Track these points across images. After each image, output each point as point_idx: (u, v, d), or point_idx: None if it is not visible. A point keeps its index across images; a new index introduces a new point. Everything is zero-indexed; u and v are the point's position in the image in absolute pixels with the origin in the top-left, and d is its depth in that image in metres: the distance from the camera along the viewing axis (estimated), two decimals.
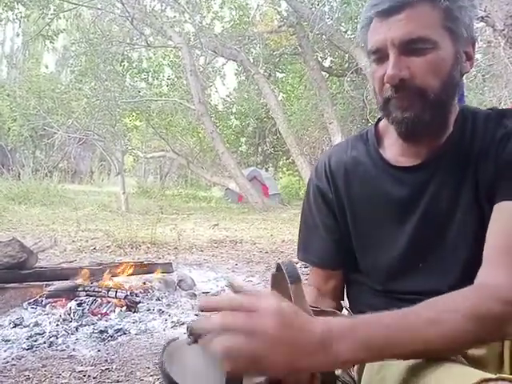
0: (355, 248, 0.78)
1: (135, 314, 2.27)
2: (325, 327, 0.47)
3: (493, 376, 0.47)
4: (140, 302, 2.39)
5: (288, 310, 0.46)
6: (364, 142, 0.79)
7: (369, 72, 0.71)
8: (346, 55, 9.89)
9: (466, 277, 0.67)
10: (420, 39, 0.64)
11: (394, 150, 0.75)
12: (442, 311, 0.53)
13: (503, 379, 0.46)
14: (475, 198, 0.68)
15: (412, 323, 0.51)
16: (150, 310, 2.35)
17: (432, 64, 0.65)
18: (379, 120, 0.80)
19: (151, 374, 1.66)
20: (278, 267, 0.54)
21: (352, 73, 8.94)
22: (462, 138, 0.71)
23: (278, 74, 12.82)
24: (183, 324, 2.19)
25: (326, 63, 11.41)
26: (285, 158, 14.03)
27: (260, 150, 14.65)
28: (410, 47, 0.64)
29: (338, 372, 0.70)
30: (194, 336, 0.46)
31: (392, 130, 0.74)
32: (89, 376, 1.62)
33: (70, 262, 3.24)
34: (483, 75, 6.10)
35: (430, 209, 0.71)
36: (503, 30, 4.04)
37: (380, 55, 0.67)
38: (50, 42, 9.79)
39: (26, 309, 2.23)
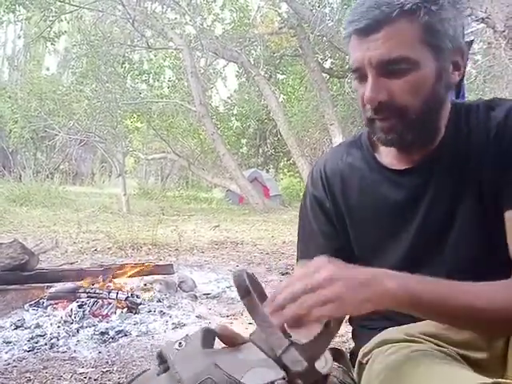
0: (356, 254, 0.77)
1: (136, 315, 2.27)
2: (377, 269, 0.58)
3: (489, 380, 0.47)
4: (141, 304, 2.39)
5: (335, 261, 0.57)
6: (358, 146, 0.78)
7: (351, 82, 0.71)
8: (347, 57, 9.85)
9: (467, 278, 0.68)
10: (399, 59, 0.62)
11: (388, 154, 0.75)
12: (489, 294, 0.58)
13: None
14: (477, 198, 0.67)
15: (460, 291, 0.57)
16: (150, 311, 2.35)
17: (412, 85, 0.63)
18: None
19: None
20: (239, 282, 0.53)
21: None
22: (457, 135, 0.70)
23: (278, 76, 12.83)
24: (184, 325, 2.19)
25: (327, 65, 11.41)
26: (286, 159, 14.03)
27: (261, 151, 14.65)
28: (389, 68, 0.62)
29: (339, 375, 0.70)
30: (163, 364, 0.46)
31: None
32: (90, 378, 1.62)
33: (72, 263, 3.25)
34: (484, 76, 6.10)
35: (430, 211, 0.70)
36: (504, 31, 4.04)
37: (360, 74, 0.66)
38: (52, 44, 9.82)
39: (27, 310, 2.23)
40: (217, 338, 0.52)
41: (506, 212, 0.65)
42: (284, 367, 0.47)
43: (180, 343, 0.50)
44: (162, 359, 0.48)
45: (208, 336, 0.50)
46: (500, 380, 0.47)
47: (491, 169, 0.66)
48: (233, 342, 0.53)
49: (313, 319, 0.50)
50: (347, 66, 10.81)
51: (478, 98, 0.76)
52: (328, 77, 10.99)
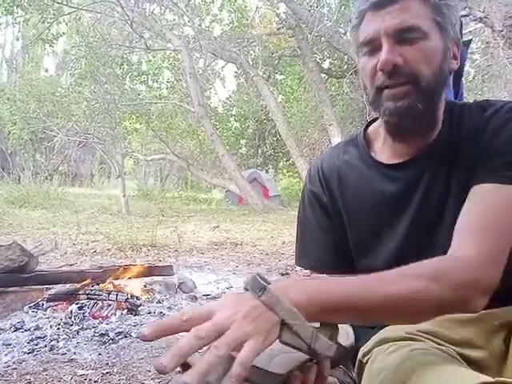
0: (352, 250, 0.78)
1: (136, 316, 2.27)
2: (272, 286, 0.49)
3: (491, 379, 0.47)
4: (141, 305, 2.39)
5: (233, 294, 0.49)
6: (355, 145, 0.81)
7: (360, 66, 0.73)
8: (345, 57, 9.91)
9: None
10: (412, 28, 0.66)
11: (384, 152, 0.77)
12: (405, 274, 0.55)
13: (502, 383, 0.46)
14: (464, 193, 0.69)
15: (371, 281, 0.54)
16: (150, 312, 2.35)
17: (424, 52, 0.67)
18: (368, 124, 0.82)
19: (152, 377, 1.66)
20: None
21: (351, 74, 8.95)
22: (449, 132, 0.73)
23: (277, 76, 12.84)
24: None
25: (325, 65, 11.43)
26: (285, 159, 14.03)
27: (260, 151, 14.65)
28: (403, 36, 0.66)
29: (339, 374, 0.70)
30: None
31: (382, 132, 0.76)
32: (90, 380, 1.61)
33: (71, 265, 3.25)
34: (482, 76, 6.11)
35: (422, 202, 0.72)
36: (502, 30, 4.05)
37: (372, 46, 0.69)
38: (50, 45, 9.81)
39: (27, 312, 2.23)
40: None
41: (472, 187, 0.66)
42: (316, 356, 0.47)
43: None
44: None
45: None
46: (501, 379, 0.47)
47: (475, 167, 0.68)
48: None
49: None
50: (346, 67, 10.82)
51: (474, 100, 0.78)
52: (327, 77, 11.00)
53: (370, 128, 0.81)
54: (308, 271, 0.84)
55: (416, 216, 0.72)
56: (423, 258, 0.69)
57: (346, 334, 0.50)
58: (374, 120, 0.82)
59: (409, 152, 0.73)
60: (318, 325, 0.48)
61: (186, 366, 0.44)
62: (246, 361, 0.42)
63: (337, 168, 0.80)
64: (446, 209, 0.70)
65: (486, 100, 0.75)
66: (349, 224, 0.78)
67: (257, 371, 0.44)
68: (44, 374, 1.65)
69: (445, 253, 0.68)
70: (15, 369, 1.67)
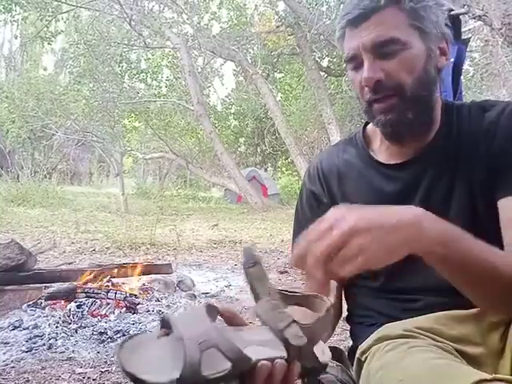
0: None
1: (135, 315, 2.26)
2: (406, 210, 0.56)
3: (488, 376, 0.47)
4: (139, 304, 2.39)
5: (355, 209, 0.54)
6: (354, 144, 0.81)
7: (349, 79, 0.76)
8: (344, 55, 9.89)
9: None
10: (390, 41, 0.67)
11: (383, 151, 0.77)
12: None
13: (499, 380, 0.46)
14: (469, 194, 0.69)
15: (492, 252, 0.57)
16: (149, 311, 2.35)
17: (404, 63, 0.67)
18: (367, 123, 0.82)
19: None
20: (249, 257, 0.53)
21: None
22: (448, 132, 0.73)
23: (276, 74, 12.82)
24: None
25: (324, 63, 11.41)
26: (284, 157, 14.03)
27: (259, 150, 14.65)
28: (382, 51, 0.67)
29: (337, 373, 0.70)
30: (166, 327, 0.46)
31: (379, 132, 0.76)
32: (88, 378, 1.61)
33: (70, 263, 3.24)
34: (481, 74, 6.11)
35: (424, 203, 0.71)
36: (501, 28, 4.05)
37: (355, 62, 0.70)
38: (48, 43, 9.79)
39: (25, 311, 2.22)
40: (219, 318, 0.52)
41: (498, 201, 0.66)
42: (285, 342, 0.47)
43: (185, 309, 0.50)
44: (164, 324, 0.48)
45: (211, 311, 0.50)
46: (499, 375, 0.47)
47: (482, 168, 0.68)
48: (234, 322, 0.52)
49: (346, 273, 0.50)
50: (345, 65, 10.80)
51: (472, 100, 0.79)
52: (326, 75, 11.00)
53: (369, 127, 0.81)
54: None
55: None
56: None
57: (321, 350, 0.50)
58: None
59: (407, 153, 0.74)
60: (304, 322, 0.49)
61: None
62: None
63: (336, 167, 0.80)
64: (450, 207, 0.70)
65: (486, 100, 0.75)
66: None
67: (230, 346, 0.44)
68: (42, 372, 1.64)
69: None
70: (13, 367, 1.67)
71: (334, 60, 11.39)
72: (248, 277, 0.51)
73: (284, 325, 0.47)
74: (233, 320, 0.52)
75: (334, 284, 0.56)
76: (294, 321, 0.48)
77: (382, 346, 0.66)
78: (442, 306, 0.67)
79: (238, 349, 0.44)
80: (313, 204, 0.82)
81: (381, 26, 0.67)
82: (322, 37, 9.17)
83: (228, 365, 0.44)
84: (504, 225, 0.65)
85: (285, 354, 0.46)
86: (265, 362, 0.45)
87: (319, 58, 10.92)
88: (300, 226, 0.84)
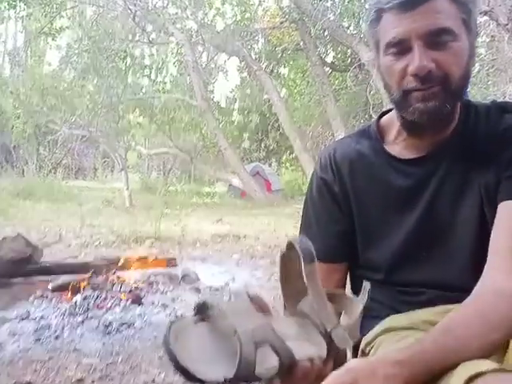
0: (358, 240, 0.79)
1: (140, 307, 2.29)
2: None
3: (494, 366, 0.47)
4: (144, 296, 2.42)
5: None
6: (367, 136, 0.80)
7: (383, 65, 0.71)
8: (349, 50, 9.85)
9: (469, 269, 0.69)
10: (444, 30, 0.65)
11: (398, 144, 0.76)
12: (459, 342, 0.55)
13: (506, 371, 0.46)
14: (478, 195, 0.69)
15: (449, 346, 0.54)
16: (154, 303, 2.38)
17: (454, 55, 0.67)
18: (381, 115, 0.81)
19: (156, 366, 1.69)
20: (289, 245, 0.52)
21: (355, 68, 8.91)
22: (465, 130, 0.72)
23: (280, 70, 12.77)
24: None
25: (329, 59, 11.36)
26: (288, 153, 14.00)
27: (263, 145, 14.62)
28: (435, 39, 0.65)
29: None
30: (203, 314, 0.46)
31: (397, 124, 0.75)
32: (95, 368, 1.64)
33: (75, 257, 3.28)
34: (487, 70, 6.06)
35: (434, 199, 0.72)
36: (507, 24, 4.02)
37: (401, 47, 0.67)
38: (53, 39, 9.80)
39: (33, 303, 2.26)
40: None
41: (499, 204, 0.66)
42: (329, 342, 0.48)
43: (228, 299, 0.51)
44: (201, 309, 0.47)
45: (253, 300, 0.50)
46: (505, 366, 0.47)
47: (494, 170, 0.68)
48: (263, 311, 0.52)
49: None
50: (349, 60, 10.76)
51: (492, 100, 0.79)
52: (330, 71, 10.94)
53: (383, 119, 0.81)
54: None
55: (427, 211, 0.72)
56: (434, 251, 0.71)
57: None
58: (387, 111, 0.82)
59: (422, 147, 0.73)
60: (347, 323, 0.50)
61: None
62: None
63: (349, 157, 0.80)
64: (459, 206, 0.70)
65: (507, 102, 0.76)
66: (357, 214, 0.78)
67: (282, 346, 0.45)
68: (50, 362, 1.68)
69: (459, 248, 0.69)
70: (21, 357, 1.70)
71: (339, 56, 11.33)
72: (305, 270, 0.50)
73: (331, 326, 0.48)
74: (263, 309, 0.52)
75: None
76: (339, 323, 0.49)
77: (388, 337, 0.67)
78: (446, 301, 0.68)
79: (288, 347, 0.45)
80: (323, 192, 0.81)
81: (437, 14, 0.65)
82: (326, 32, 9.13)
83: (275, 361, 0.44)
84: (495, 229, 0.65)
85: (325, 353, 0.47)
86: (305, 360, 0.46)
87: (323, 53, 10.87)
88: (309, 214, 0.84)
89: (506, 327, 0.56)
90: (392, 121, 0.77)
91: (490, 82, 6.35)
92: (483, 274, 0.63)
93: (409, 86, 0.67)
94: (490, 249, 0.64)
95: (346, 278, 0.83)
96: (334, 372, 0.49)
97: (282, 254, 0.54)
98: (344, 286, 0.83)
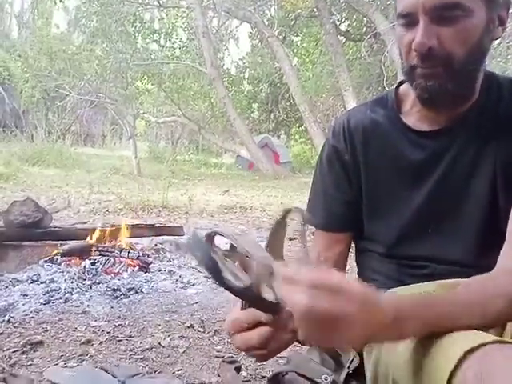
0: (365, 212, 0.78)
1: (147, 273, 2.33)
2: (397, 307, 0.50)
3: (492, 338, 0.47)
4: (151, 263, 2.46)
5: (368, 293, 0.48)
6: (383, 105, 0.78)
7: (396, 34, 0.70)
8: (365, 19, 9.51)
9: (476, 245, 0.69)
10: (453, 5, 0.61)
11: (413, 114, 0.74)
12: (487, 295, 0.56)
13: (504, 342, 0.46)
14: (492, 172, 0.68)
15: (465, 303, 0.55)
16: (161, 270, 2.42)
17: (462, 33, 0.63)
18: (400, 84, 0.78)
19: (162, 330, 1.73)
20: (284, 213, 0.56)
21: (370, 38, 8.63)
22: (486, 105, 0.70)
23: (292, 38, 12.43)
24: (193, 285, 2.25)
25: (343, 27, 11.00)
26: (297, 125, 13.83)
27: (272, 116, 14.43)
28: (442, 14, 0.62)
29: (315, 355, 0.73)
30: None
31: (413, 94, 0.73)
32: (103, 331, 1.69)
33: (84, 223, 3.31)
34: (508, 43, 5.83)
35: (446, 174, 0.71)
36: None
37: (409, 20, 0.65)
38: (60, 1, 9.57)
39: (42, 266, 2.30)
40: None
41: None
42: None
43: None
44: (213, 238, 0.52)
45: None
46: (504, 339, 0.47)
47: (510, 148, 0.67)
48: None
49: None
50: (364, 29, 10.39)
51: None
52: (344, 40, 10.62)
53: (402, 87, 0.78)
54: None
55: (438, 186, 0.71)
56: (442, 226, 0.71)
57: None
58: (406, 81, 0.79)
59: (438, 120, 0.71)
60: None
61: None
62: None
63: (363, 125, 0.78)
64: (471, 183, 0.69)
65: None
66: (366, 184, 0.77)
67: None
68: (60, 323, 1.72)
69: (467, 225, 0.69)
70: (33, 317, 1.75)
71: (354, 24, 10.95)
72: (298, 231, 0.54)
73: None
74: None
75: None
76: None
77: None
78: (449, 275, 0.67)
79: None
80: (333, 161, 0.80)
81: None
82: None
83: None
84: None
85: None
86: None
87: (338, 21, 10.51)
88: (317, 182, 0.83)
89: None
90: (409, 91, 0.74)
91: (509, 56, 6.12)
92: (501, 253, 0.62)
93: (412, 62, 0.66)
94: (509, 230, 0.63)
95: (348, 251, 0.83)
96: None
97: (275, 221, 0.57)
98: (345, 259, 0.83)
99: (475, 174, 0.69)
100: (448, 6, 0.61)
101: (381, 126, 0.76)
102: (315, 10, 9.47)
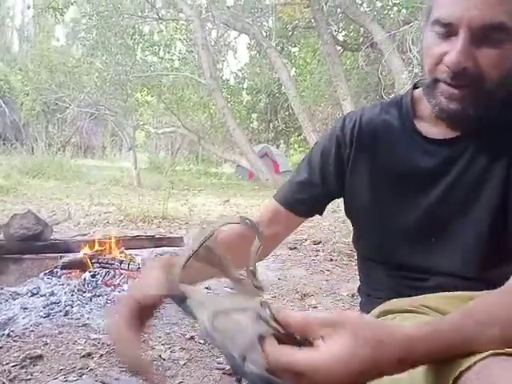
0: (362, 212, 0.76)
1: None
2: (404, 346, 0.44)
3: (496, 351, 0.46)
4: None
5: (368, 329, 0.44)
6: (398, 107, 0.75)
7: (425, 39, 0.64)
8: (361, 29, 9.61)
9: (480, 258, 0.67)
10: (499, 27, 0.57)
11: (427, 119, 0.71)
12: (479, 328, 0.48)
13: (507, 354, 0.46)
14: (504, 182, 0.66)
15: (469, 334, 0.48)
16: None
17: (502, 58, 0.59)
18: (415, 86, 0.75)
19: (162, 342, 1.72)
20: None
21: (367, 47, 8.70)
22: (503, 117, 0.66)
23: (290, 48, 12.54)
24: None
25: (341, 37, 11.10)
26: (297, 134, 13.89)
27: (271, 126, 14.51)
28: (486, 35, 0.58)
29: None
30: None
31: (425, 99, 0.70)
32: (103, 343, 1.68)
33: (84, 235, 3.31)
34: None
35: (454, 183, 0.69)
36: None
37: (448, 30, 0.60)
38: (60, 14, 9.68)
39: (42, 279, 2.29)
40: None
41: None
42: None
43: None
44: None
45: None
46: (498, 350, 0.47)
47: None
48: None
49: None
50: (361, 39, 10.50)
51: None
52: (342, 50, 10.71)
53: (416, 91, 0.74)
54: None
55: (446, 194, 0.69)
56: (444, 237, 0.69)
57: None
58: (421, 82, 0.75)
59: (452, 129, 0.69)
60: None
61: None
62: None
63: (374, 124, 0.75)
64: (484, 191, 0.67)
65: None
66: (370, 186, 0.74)
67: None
68: (60, 336, 1.72)
69: (472, 237, 0.67)
70: (32, 331, 1.74)
71: (351, 34, 11.06)
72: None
73: None
74: None
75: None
76: None
77: (387, 319, 0.67)
78: (452, 288, 0.66)
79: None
80: (330, 150, 0.77)
81: (496, 6, 0.56)
82: (338, 9, 8.89)
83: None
84: None
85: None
86: None
87: (335, 31, 10.62)
88: (303, 162, 0.81)
89: None
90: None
91: None
92: None
93: (439, 76, 0.62)
94: None
95: (289, 233, 0.84)
96: (326, 321, 0.43)
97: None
98: (284, 238, 0.84)
99: (485, 185, 0.67)
100: (494, 28, 0.57)
101: (392, 128, 0.74)
102: (312, 20, 9.57)
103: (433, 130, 0.70)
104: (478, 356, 0.45)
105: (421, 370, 0.49)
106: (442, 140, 0.69)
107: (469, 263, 0.67)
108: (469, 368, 0.44)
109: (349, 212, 0.80)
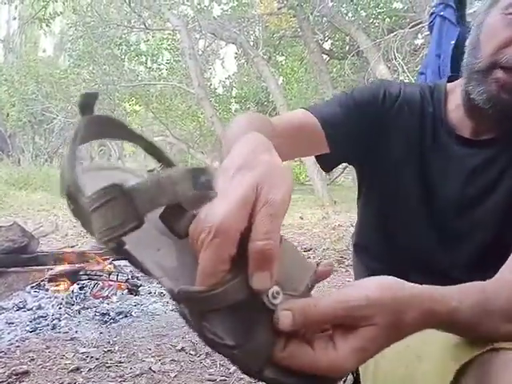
0: (373, 191, 0.74)
1: (136, 296, 2.30)
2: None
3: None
4: (141, 286, 2.43)
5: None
6: (430, 93, 0.72)
7: (489, 20, 0.61)
8: (347, 38, 9.76)
9: (481, 260, 0.67)
10: None
11: (458, 113, 0.69)
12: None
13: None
14: None
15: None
16: (151, 293, 2.39)
17: None
18: (450, 79, 0.73)
19: (153, 354, 1.70)
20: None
21: (353, 55, 8.83)
22: None
23: (278, 57, 12.65)
24: None
25: (327, 46, 11.26)
26: None
27: None
28: None
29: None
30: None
31: (458, 93, 0.68)
32: (92, 357, 1.65)
33: (72, 246, 3.27)
34: None
35: (489, 185, 0.67)
36: None
37: None
38: (47, 25, 9.64)
39: (29, 292, 2.26)
40: None
41: None
42: None
43: None
44: None
45: None
46: (496, 345, 0.46)
47: None
48: None
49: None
50: (347, 48, 10.65)
51: None
52: (328, 58, 10.85)
53: (449, 84, 0.72)
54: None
55: (480, 192, 0.67)
56: (456, 235, 0.67)
57: None
58: (456, 77, 0.72)
59: (484, 128, 0.66)
60: None
61: None
62: None
63: (413, 102, 0.71)
64: (496, 195, 0.66)
65: None
66: (396, 163, 0.70)
67: None
68: (47, 351, 1.68)
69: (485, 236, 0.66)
70: (18, 346, 1.71)
71: (337, 43, 11.21)
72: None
73: None
74: None
75: None
76: None
77: None
78: (446, 282, 0.66)
79: None
80: (373, 96, 0.70)
81: None
82: (324, 19, 9.02)
83: None
84: None
85: None
86: None
87: (321, 40, 10.75)
88: (346, 97, 0.73)
89: None
90: (456, 90, 0.69)
91: None
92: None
93: (502, 60, 0.58)
94: None
95: (302, 155, 0.82)
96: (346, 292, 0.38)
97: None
98: (294, 157, 0.78)
99: (498, 187, 0.66)
100: None
101: (425, 114, 0.70)
102: (299, 30, 9.70)
103: (463, 125, 0.68)
104: (476, 351, 0.44)
105: (419, 367, 0.48)
106: (471, 141, 0.67)
107: (471, 261, 0.67)
108: (469, 363, 0.44)
109: (366, 186, 0.76)
